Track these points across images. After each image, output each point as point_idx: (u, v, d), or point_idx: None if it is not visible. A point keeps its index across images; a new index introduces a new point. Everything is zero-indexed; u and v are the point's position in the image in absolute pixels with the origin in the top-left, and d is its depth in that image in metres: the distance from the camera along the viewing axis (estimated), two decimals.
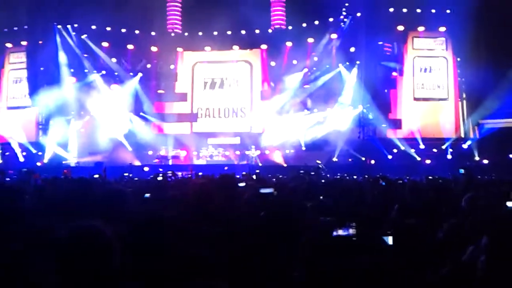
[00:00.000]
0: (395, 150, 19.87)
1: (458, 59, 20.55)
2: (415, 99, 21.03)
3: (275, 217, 2.83)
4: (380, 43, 20.37)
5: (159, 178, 7.96)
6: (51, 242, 2.00)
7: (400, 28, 20.66)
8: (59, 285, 1.88)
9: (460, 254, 2.46)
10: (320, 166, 18.12)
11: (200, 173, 13.85)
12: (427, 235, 2.93)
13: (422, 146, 19.77)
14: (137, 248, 2.40)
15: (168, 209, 3.93)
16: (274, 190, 4.19)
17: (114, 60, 22.64)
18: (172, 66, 23.58)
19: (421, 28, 20.93)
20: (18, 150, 21.29)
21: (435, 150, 19.56)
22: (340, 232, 2.23)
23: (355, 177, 12.02)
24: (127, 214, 3.12)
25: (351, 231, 2.23)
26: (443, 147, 19.60)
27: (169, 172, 9.83)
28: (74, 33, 21.78)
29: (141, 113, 22.73)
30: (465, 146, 19.42)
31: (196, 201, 3.97)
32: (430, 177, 9.12)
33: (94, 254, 1.93)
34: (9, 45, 22.60)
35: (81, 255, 1.91)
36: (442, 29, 20.70)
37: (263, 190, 4.09)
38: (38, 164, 19.98)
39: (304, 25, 21.75)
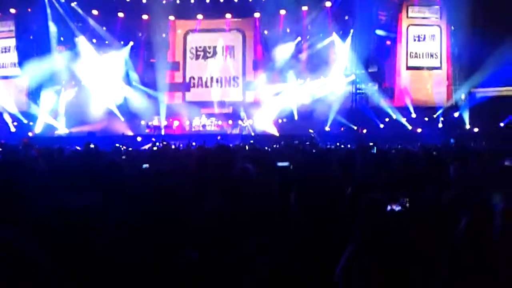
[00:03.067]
0: (387, 119, 20.01)
1: (452, 27, 20.42)
2: (408, 68, 20.98)
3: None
4: (375, 11, 20.16)
5: (155, 148, 7.99)
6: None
7: None
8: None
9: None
10: (313, 135, 18.25)
11: (193, 143, 13.88)
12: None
13: (413, 115, 19.89)
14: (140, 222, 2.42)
15: (167, 180, 3.99)
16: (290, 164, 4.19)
17: (104, 28, 22.23)
18: (164, 35, 23.21)
19: None
20: (9, 120, 21.12)
21: (426, 118, 19.69)
22: (394, 207, 2.25)
23: (349, 146, 12.13)
24: (126, 188, 3.15)
25: (403, 206, 2.26)
26: (435, 115, 19.74)
27: (163, 141, 9.83)
28: (63, 1, 21.28)
29: (133, 83, 22.53)
30: (456, 114, 19.56)
31: (196, 172, 4.03)
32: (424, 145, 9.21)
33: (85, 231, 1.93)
34: None
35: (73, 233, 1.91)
36: None
37: (280, 164, 4.14)
38: (30, 134, 19.90)
39: None
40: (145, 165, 4.66)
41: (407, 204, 2.22)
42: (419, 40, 21.00)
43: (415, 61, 21.02)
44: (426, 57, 20.96)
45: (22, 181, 3.15)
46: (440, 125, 19.41)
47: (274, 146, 12.99)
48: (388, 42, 21.07)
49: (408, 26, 21.06)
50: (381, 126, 19.94)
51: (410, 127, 19.55)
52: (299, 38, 22.27)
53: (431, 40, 20.93)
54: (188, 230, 2.47)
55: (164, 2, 22.20)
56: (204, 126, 22.03)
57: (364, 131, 19.77)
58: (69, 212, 1.89)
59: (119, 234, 2.12)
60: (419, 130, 19.11)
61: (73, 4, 21.44)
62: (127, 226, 2.32)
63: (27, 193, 3.00)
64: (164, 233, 2.31)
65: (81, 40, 21.75)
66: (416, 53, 21.02)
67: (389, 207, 2.20)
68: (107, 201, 2.08)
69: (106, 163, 3.90)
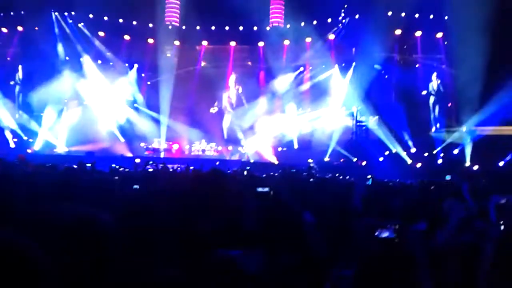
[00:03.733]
0: (386, 152, 20.00)
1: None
2: None
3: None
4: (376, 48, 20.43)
5: (150, 170, 7.96)
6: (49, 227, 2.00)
7: (398, 32, 20.73)
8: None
9: None
10: (312, 165, 18.19)
11: (191, 167, 13.82)
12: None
13: (413, 150, 19.89)
14: (123, 238, 2.40)
15: (157, 201, 3.95)
16: (270, 189, 4.17)
17: (109, 50, 22.50)
18: (168, 55, 23.39)
19: (418, 33, 20.99)
20: (9, 137, 21.15)
21: (426, 154, 19.67)
22: (385, 234, 2.23)
23: (347, 177, 12.08)
24: (116, 203, 3.13)
25: (393, 232, 2.23)
26: (434, 152, 19.72)
27: (161, 164, 9.81)
28: (71, 21, 21.65)
29: (135, 105, 22.65)
30: (455, 151, 19.54)
31: (186, 195, 3.99)
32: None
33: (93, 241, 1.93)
34: (4, 30, 22.38)
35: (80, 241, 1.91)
36: (439, 35, 20.78)
37: (259, 189, 4.11)
38: (29, 151, 19.88)
39: (303, 24, 21.76)
40: (136, 186, 4.63)
41: (396, 232, 2.20)
42: None
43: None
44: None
45: (14, 192, 3.15)
46: (440, 161, 19.37)
47: (272, 174, 12.93)
48: (386, 77, 21.27)
49: None
50: (381, 159, 19.91)
51: (410, 161, 19.51)
52: (301, 69, 22.52)
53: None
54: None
55: (170, 27, 22.56)
56: (203, 150, 22.03)
57: (364, 163, 19.73)
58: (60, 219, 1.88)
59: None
60: (418, 165, 19.06)
61: (80, 25, 21.79)
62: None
63: (19, 203, 3.00)
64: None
65: (86, 61, 22.00)
66: None
67: (379, 233, 2.19)
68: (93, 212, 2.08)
69: (98, 179, 3.89)
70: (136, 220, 2.53)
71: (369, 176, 7.57)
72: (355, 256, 1.97)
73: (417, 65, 21.63)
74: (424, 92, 21.00)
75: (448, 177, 7.28)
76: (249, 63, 23.55)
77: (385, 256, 2.09)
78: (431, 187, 7.68)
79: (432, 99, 21.04)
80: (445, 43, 20.76)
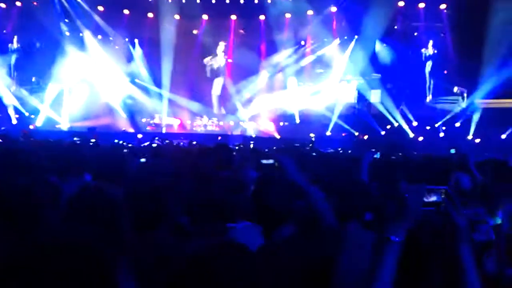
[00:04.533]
0: (388, 126, 19.99)
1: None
2: None
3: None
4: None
5: (154, 145, 7.99)
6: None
7: (401, 3, 20.43)
8: None
9: None
10: (313, 139, 18.24)
11: (194, 142, 13.88)
12: None
13: (415, 123, 19.87)
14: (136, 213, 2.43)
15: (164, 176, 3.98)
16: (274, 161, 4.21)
17: (109, 25, 22.23)
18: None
19: (421, 5, 20.66)
20: (11, 113, 21.10)
21: (428, 127, 19.67)
22: (432, 198, 2.24)
23: (349, 152, 12.13)
24: (128, 176, 3.16)
25: (440, 197, 2.24)
26: (436, 125, 19.70)
27: (166, 140, 9.84)
28: None
29: (136, 80, 22.53)
30: (457, 124, 19.53)
31: (193, 169, 4.03)
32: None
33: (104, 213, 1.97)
34: (2, 5, 22.05)
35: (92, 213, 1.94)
36: (443, 6, 20.46)
37: (264, 161, 4.14)
38: (31, 127, 19.90)
39: None
40: (142, 159, 4.68)
41: (443, 196, 2.21)
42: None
43: None
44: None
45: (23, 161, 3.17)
46: (442, 134, 19.37)
47: (274, 148, 12.97)
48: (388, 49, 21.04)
49: None
50: (382, 133, 19.93)
51: (412, 135, 19.51)
52: (302, 42, 22.30)
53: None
54: None
55: (170, 1, 22.20)
56: (205, 126, 22.04)
57: (365, 137, 19.76)
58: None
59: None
60: (420, 138, 19.08)
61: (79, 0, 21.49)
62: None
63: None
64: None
65: (87, 36, 21.79)
66: None
67: (427, 197, 2.21)
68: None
69: (110, 153, 3.93)
70: (147, 192, 2.56)
71: (373, 150, 7.57)
72: (403, 222, 1.98)
73: (415, 34, 21.37)
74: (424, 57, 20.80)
75: (452, 151, 7.29)
76: (249, 36, 23.24)
77: (434, 221, 2.13)
78: (434, 161, 7.71)
79: (428, 67, 20.87)
80: (447, 11, 20.44)
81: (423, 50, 20.82)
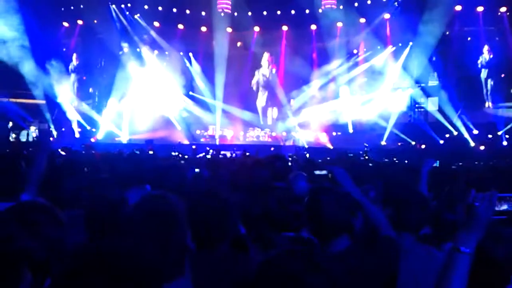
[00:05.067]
0: (447, 135, 19.26)
1: None
2: None
3: None
4: None
5: (209, 156, 8.14)
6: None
7: (458, 7, 19.72)
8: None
9: None
10: (368, 149, 17.85)
11: (247, 153, 13.97)
12: None
13: (475, 131, 19.00)
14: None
15: (221, 184, 4.05)
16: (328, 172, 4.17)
17: (165, 40, 23.01)
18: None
19: (480, 8, 19.85)
20: (75, 127, 22.29)
21: (490, 135, 18.74)
22: (503, 207, 2.19)
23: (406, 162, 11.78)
24: (187, 187, 3.25)
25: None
26: (499, 133, 18.73)
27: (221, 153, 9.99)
28: (127, 13, 22.35)
29: (190, 93, 23.14)
30: None
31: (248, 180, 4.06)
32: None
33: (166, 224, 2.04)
34: (65, 24, 23.35)
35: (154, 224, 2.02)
36: (503, 9, 19.57)
37: (317, 172, 4.12)
38: (92, 140, 20.85)
39: (356, 4, 21.16)
40: (197, 170, 4.79)
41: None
42: None
43: None
44: None
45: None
46: (505, 143, 18.38)
47: (327, 158, 12.82)
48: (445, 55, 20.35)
49: None
50: (441, 142, 19.21)
51: (473, 144, 18.63)
52: (355, 51, 22.02)
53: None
54: None
55: (222, 14, 22.66)
56: (258, 137, 22.19)
57: (423, 146, 19.11)
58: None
59: None
60: (482, 147, 18.20)
61: (137, 16, 22.44)
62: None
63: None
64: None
65: (144, 51, 22.68)
66: None
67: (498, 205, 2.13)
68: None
69: (169, 164, 4.06)
70: (205, 201, 2.61)
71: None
72: (473, 232, 1.90)
73: (469, 38, 20.56)
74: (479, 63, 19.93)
75: None
76: (301, 46, 23.22)
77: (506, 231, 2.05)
78: (500, 169, 7.30)
79: (484, 73, 19.96)
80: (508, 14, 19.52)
81: (481, 56, 19.97)
